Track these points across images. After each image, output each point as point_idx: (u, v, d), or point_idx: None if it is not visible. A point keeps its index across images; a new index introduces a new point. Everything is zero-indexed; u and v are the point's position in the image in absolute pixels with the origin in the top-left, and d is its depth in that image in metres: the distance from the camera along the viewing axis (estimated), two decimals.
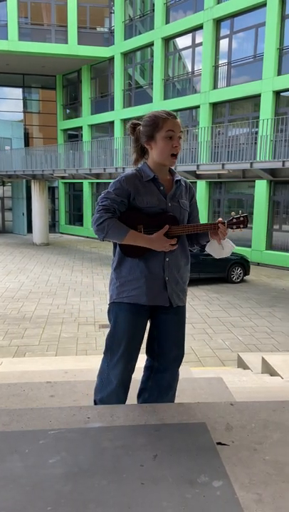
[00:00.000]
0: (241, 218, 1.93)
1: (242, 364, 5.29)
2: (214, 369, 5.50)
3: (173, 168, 2.03)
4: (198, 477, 1.43)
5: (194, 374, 3.51)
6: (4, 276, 12.52)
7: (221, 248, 1.97)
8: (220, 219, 1.92)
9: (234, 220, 1.93)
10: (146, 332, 2.05)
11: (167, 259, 1.93)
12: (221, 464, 1.50)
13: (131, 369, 2.01)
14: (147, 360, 2.09)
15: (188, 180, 2.09)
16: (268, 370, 4.64)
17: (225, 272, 11.97)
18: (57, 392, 2.37)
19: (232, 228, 1.93)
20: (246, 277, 12.49)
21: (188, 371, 3.49)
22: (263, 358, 4.88)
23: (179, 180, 2.00)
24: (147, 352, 2.08)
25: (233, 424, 1.76)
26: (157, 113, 1.89)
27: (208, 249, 2.01)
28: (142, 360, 2.08)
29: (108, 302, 2.04)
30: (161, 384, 2.05)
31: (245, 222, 1.93)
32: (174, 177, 2.00)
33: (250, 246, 14.98)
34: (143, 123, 1.91)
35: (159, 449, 1.58)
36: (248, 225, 1.97)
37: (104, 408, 1.91)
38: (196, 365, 6.01)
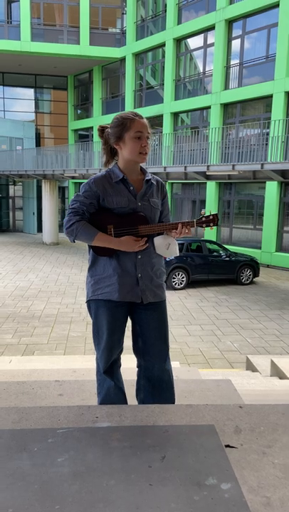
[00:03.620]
0: (211, 217, 1.98)
1: (251, 366, 5.26)
2: (223, 371, 5.48)
3: (143, 165, 2.05)
4: (206, 479, 1.42)
5: (202, 376, 3.50)
6: (14, 274, 12.61)
7: (165, 247, 1.99)
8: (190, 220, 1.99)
9: (203, 219, 1.98)
10: (132, 330, 2.09)
11: (139, 257, 1.97)
12: (229, 466, 1.49)
13: (117, 358, 2.07)
14: (136, 359, 2.12)
15: (160, 179, 2.11)
16: (277, 373, 4.61)
17: (234, 274, 11.92)
18: (65, 391, 2.38)
19: (202, 226, 1.99)
20: (256, 279, 12.42)
21: (196, 372, 3.48)
22: (272, 361, 4.84)
23: (150, 179, 2.03)
24: (134, 351, 2.10)
25: (242, 427, 1.75)
26: (124, 114, 1.94)
27: (154, 240, 2.01)
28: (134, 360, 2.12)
29: (85, 301, 2.09)
30: (151, 380, 2.06)
31: (215, 220, 1.98)
32: (145, 176, 2.02)
33: (260, 247, 14.88)
34: (111, 124, 1.96)
35: (167, 450, 1.58)
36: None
37: (112, 408, 1.91)
38: (204, 367, 6.00)
